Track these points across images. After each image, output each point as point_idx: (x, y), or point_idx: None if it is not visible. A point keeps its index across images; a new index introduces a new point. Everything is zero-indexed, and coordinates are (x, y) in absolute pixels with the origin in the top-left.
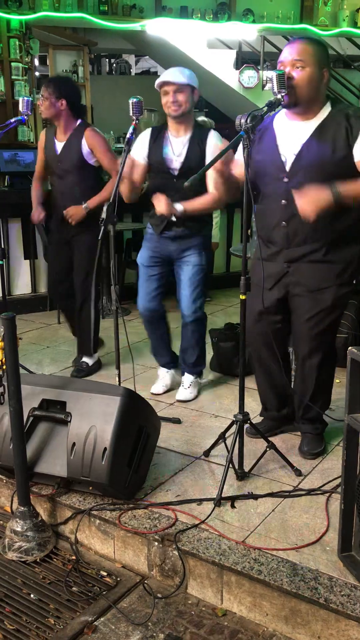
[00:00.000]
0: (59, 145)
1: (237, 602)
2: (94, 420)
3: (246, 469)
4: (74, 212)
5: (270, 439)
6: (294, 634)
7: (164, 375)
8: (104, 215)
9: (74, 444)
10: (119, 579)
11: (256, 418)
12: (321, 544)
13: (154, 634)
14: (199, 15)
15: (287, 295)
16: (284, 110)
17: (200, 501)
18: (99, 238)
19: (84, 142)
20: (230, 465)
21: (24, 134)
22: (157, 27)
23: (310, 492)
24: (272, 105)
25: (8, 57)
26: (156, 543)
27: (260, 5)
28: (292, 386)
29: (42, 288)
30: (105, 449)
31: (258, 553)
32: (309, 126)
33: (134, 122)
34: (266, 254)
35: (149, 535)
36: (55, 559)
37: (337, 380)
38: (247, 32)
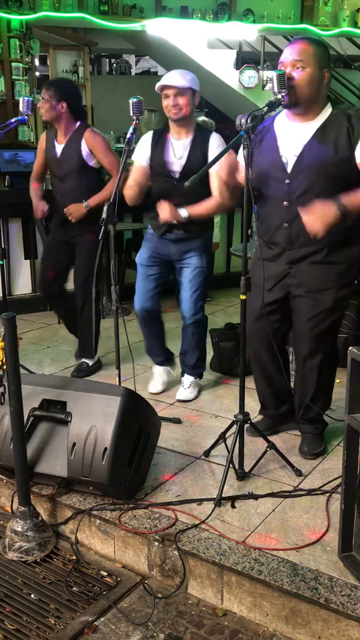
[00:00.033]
0: (59, 148)
1: (238, 602)
2: (95, 420)
3: (246, 469)
4: (75, 210)
5: (270, 438)
6: (294, 634)
7: (160, 373)
8: (104, 215)
9: (74, 444)
10: (119, 579)
11: (256, 417)
12: (321, 544)
13: (154, 634)
14: (199, 15)
15: (287, 295)
16: (284, 112)
17: (200, 501)
18: (100, 238)
19: (83, 144)
20: (231, 466)
21: (24, 134)
22: (158, 27)
23: (310, 492)
24: (273, 106)
25: (8, 57)
26: (156, 543)
27: (260, 5)
28: (292, 385)
29: None
30: (105, 449)
31: (258, 553)
32: (310, 127)
33: (134, 122)
34: (268, 255)
35: (149, 535)
36: (55, 559)
37: (338, 381)
38: (247, 32)
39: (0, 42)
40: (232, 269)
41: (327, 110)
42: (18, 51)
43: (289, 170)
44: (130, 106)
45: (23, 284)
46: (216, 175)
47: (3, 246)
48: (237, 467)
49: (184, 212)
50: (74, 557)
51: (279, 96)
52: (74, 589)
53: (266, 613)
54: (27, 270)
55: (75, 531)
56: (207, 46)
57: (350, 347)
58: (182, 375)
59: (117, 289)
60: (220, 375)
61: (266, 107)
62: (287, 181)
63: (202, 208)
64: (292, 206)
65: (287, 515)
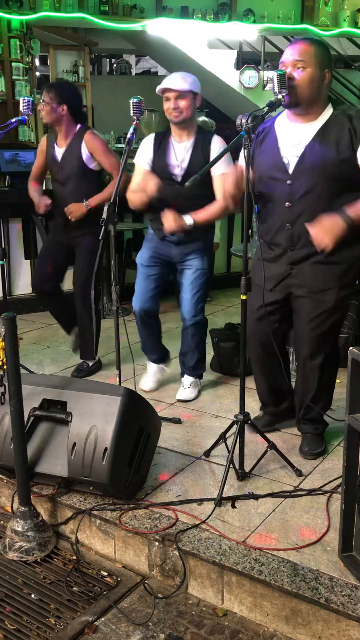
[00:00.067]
0: (60, 152)
1: (238, 602)
2: (95, 420)
3: (247, 469)
4: (75, 209)
5: (270, 438)
6: (294, 634)
7: (154, 371)
8: (104, 215)
9: (74, 444)
10: (119, 579)
11: (256, 414)
12: (322, 544)
13: (155, 634)
14: (200, 15)
15: (288, 296)
16: (285, 112)
17: (200, 501)
18: (100, 238)
19: (83, 147)
20: (231, 466)
21: (24, 134)
22: (158, 27)
23: (310, 492)
24: (273, 106)
25: (9, 57)
26: (157, 543)
27: (260, 6)
28: (292, 385)
29: None
30: (106, 449)
31: (259, 553)
32: (311, 128)
33: (134, 122)
34: (269, 256)
35: (150, 535)
36: (55, 559)
37: (338, 381)
38: (247, 32)
39: (1, 42)
40: (233, 269)
41: (328, 111)
42: (18, 51)
43: (290, 171)
44: (131, 106)
45: (23, 284)
46: (219, 179)
47: (3, 246)
48: (237, 467)
49: (189, 220)
50: (74, 557)
51: (280, 96)
52: (74, 589)
53: (266, 613)
54: (27, 270)
55: (76, 531)
56: (207, 46)
57: (350, 348)
58: (182, 375)
59: (117, 289)
60: (221, 376)
61: (267, 107)
62: (288, 182)
63: (206, 213)
64: (294, 207)
65: (287, 516)
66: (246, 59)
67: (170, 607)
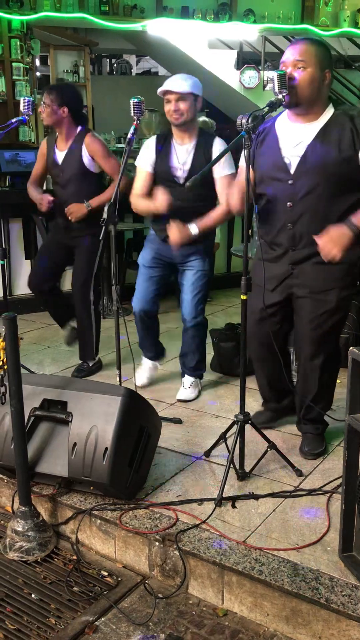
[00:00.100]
0: (60, 155)
1: (238, 602)
2: (95, 420)
3: (247, 469)
4: (75, 210)
5: (270, 438)
6: (294, 634)
7: (149, 368)
8: (105, 215)
9: (75, 444)
10: (119, 579)
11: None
12: (322, 544)
13: (155, 634)
14: (200, 15)
15: (290, 296)
16: (286, 113)
17: (201, 501)
18: (100, 238)
19: (84, 150)
20: (231, 466)
21: (25, 134)
22: (158, 28)
23: (311, 492)
24: (273, 106)
25: (9, 57)
26: (157, 543)
27: (261, 6)
28: (294, 385)
29: None
30: (106, 449)
31: (259, 553)
32: (312, 128)
33: (135, 123)
34: (269, 256)
35: (150, 535)
36: (56, 559)
37: (339, 381)
38: (248, 33)
39: (1, 43)
40: (233, 269)
41: (329, 111)
42: (19, 51)
43: (292, 171)
44: (131, 106)
45: (24, 284)
46: (221, 181)
47: (4, 246)
48: (237, 467)
49: (194, 229)
50: (74, 557)
51: (280, 96)
52: (75, 588)
53: (267, 613)
54: (27, 270)
55: (76, 531)
56: (207, 46)
57: (350, 348)
58: (183, 376)
59: (118, 289)
60: (221, 376)
61: (267, 108)
62: (290, 182)
63: (210, 220)
64: (295, 207)
65: (287, 516)
66: (246, 59)
67: (171, 607)
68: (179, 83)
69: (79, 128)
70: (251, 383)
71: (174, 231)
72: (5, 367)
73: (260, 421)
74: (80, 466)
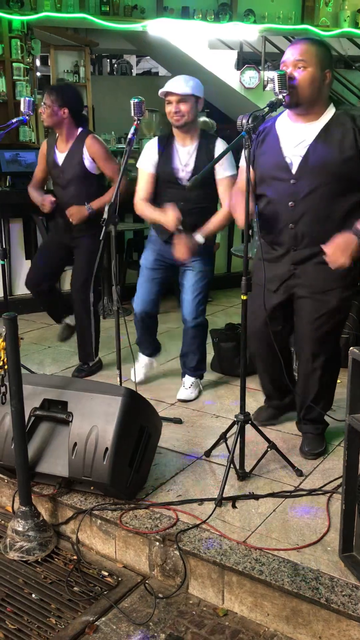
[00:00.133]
0: (61, 156)
1: (238, 602)
2: (96, 420)
3: (247, 469)
4: (76, 212)
5: (271, 438)
6: (295, 634)
7: (145, 364)
8: (105, 215)
9: (75, 443)
10: (120, 579)
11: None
12: (322, 544)
13: (155, 634)
14: (200, 15)
15: (291, 297)
16: (286, 113)
17: (201, 501)
18: (100, 238)
19: (85, 152)
20: (232, 466)
21: (25, 134)
22: (159, 28)
23: (311, 492)
24: (274, 106)
25: (10, 58)
26: (157, 543)
27: (261, 6)
28: (295, 384)
29: None
30: (106, 449)
31: (259, 553)
32: (314, 128)
33: (135, 123)
34: (270, 256)
35: (150, 535)
36: (56, 559)
37: (339, 381)
38: (248, 33)
39: (2, 43)
40: (233, 269)
41: (330, 111)
42: (19, 51)
43: (293, 171)
44: (132, 107)
45: (24, 284)
46: (224, 182)
47: (4, 246)
48: (237, 467)
49: (200, 239)
50: (75, 557)
51: (280, 96)
52: (75, 588)
53: (267, 613)
54: (28, 270)
55: (76, 531)
56: (208, 47)
57: (351, 348)
58: (183, 376)
59: (118, 290)
60: (221, 376)
61: (267, 108)
62: (292, 181)
63: (213, 225)
64: (297, 206)
65: (287, 516)
66: (247, 60)
67: (171, 607)
68: (180, 84)
69: (80, 129)
70: (251, 383)
71: (182, 248)
72: (6, 367)
73: (263, 418)
74: (81, 466)
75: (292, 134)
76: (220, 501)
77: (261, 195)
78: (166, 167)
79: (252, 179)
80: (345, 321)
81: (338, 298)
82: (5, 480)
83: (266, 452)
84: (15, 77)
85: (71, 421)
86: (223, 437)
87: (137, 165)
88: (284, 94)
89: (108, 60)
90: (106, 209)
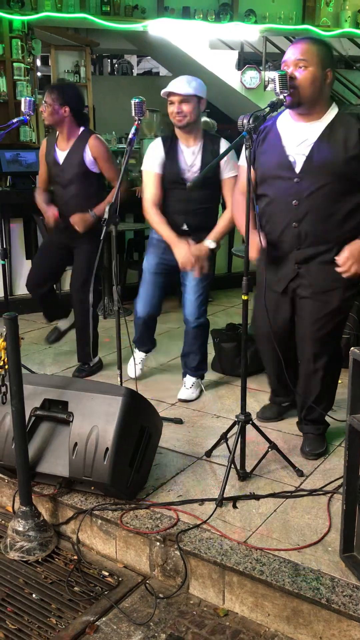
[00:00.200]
0: (61, 155)
1: (239, 602)
2: (96, 420)
3: (248, 469)
4: (80, 220)
5: (271, 438)
6: (295, 635)
7: (141, 359)
8: (105, 215)
9: (75, 443)
10: (120, 579)
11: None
12: (323, 544)
13: (156, 634)
14: (201, 15)
15: (294, 296)
16: (287, 112)
17: (202, 501)
18: (101, 238)
19: (87, 151)
20: (232, 466)
21: (26, 134)
22: (159, 28)
23: (312, 492)
24: (275, 106)
25: (10, 58)
26: (158, 543)
27: (262, 6)
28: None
29: None
30: (107, 449)
31: (260, 553)
32: (317, 127)
33: (136, 123)
34: (272, 257)
35: (151, 536)
36: (57, 559)
37: (340, 381)
38: (249, 33)
39: (2, 43)
40: (234, 269)
41: (333, 111)
42: (20, 51)
43: (297, 170)
44: (132, 107)
45: (24, 284)
46: (228, 182)
47: (5, 246)
48: (238, 467)
49: (211, 244)
50: (75, 557)
51: (281, 96)
52: (76, 588)
53: (268, 613)
54: (28, 270)
55: (77, 531)
56: (208, 47)
57: (352, 348)
58: (184, 376)
59: (119, 289)
60: (222, 376)
61: (268, 108)
62: (296, 180)
63: (221, 229)
64: (301, 205)
65: (288, 516)
66: (247, 60)
67: (172, 607)
68: (182, 85)
69: (81, 128)
70: (252, 383)
71: (194, 264)
72: (6, 367)
73: (267, 416)
74: (81, 466)
75: (295, 133)
76: (220, 501)
77: (262, 195)
78: (172, 167)
79: (252, 179)
80: (346, 321)
81: (339, 298)
82: (6, 480)
83: (267, 452)
84: (15, 77)
85: (72, 421)
86: (224, 437)
87: (143, 167)
88: (285, 94)
89: (109, 60)
90: (107, 209)
